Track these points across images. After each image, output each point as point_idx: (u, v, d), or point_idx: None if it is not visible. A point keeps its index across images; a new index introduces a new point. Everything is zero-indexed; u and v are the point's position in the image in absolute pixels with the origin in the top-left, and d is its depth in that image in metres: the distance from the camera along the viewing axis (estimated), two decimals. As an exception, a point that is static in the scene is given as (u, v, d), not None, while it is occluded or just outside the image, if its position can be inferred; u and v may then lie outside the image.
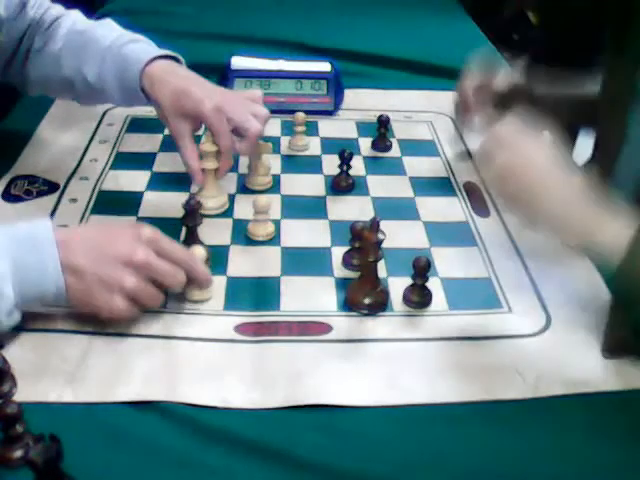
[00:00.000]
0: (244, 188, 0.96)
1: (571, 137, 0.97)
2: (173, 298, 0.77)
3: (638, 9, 0.89)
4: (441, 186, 0.99)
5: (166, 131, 1.09)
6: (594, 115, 0.95)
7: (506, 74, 1.02)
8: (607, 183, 0.94)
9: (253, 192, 0.95)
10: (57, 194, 0.93)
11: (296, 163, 1.04)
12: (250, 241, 0.86)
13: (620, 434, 0.63)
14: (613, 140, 0.92)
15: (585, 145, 1.08)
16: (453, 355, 0.71)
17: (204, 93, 0.86)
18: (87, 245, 0.70)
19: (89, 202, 0.92)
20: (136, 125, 1.11)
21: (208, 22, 1.49)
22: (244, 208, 0.90)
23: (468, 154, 1.05)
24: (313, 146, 1.08)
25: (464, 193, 0.98)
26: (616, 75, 0.92)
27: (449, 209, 0.94)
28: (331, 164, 1.01)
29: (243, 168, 0.99)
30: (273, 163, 1.02)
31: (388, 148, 1.08)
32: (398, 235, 0.86)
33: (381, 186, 0.99)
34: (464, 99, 0.99)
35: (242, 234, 0.87)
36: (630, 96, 0.90)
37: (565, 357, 0.71)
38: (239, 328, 0.73)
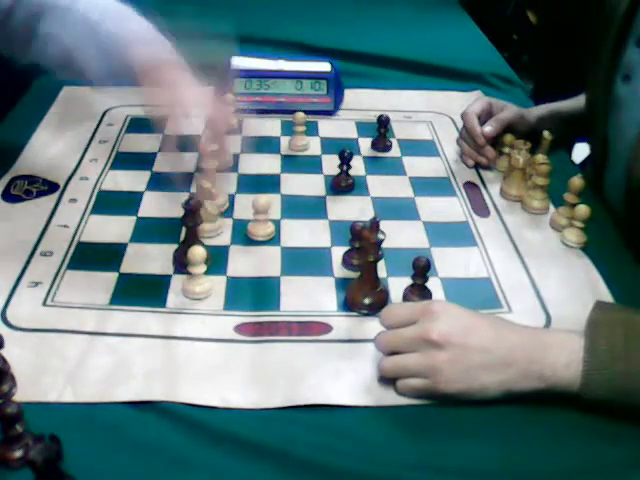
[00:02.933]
0: (244, 187, 0.96)
1: (570, 138, 0.97)
2: (173, 296, 0.77)
3: (610, 21, 0.89)
4: (441, 186, 0.99)
5: (166, 131, 1.09)
6: (584, 127, 0.95)
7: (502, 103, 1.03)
8: (600, 189, 0.94)
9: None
10: (57, 194, 0.93)
11: (296, 163, 1.04)
12: (250, 241, 0.86)
13: (619, 432, 0.64)
14: (598, 149, 0.92)
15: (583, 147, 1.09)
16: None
17: None
18: None
19: (89, 202, 0.92)
20: (136, 125, 1.11)
21: (208, 22, 1.49)
22: (244, 208, 0.90)
23: None
24: (313, 146, 1.08)
25: (464, 193, 0.98)
26: (594, 85, 0.92)
27: (449, 209, 0.94)
28: (331, 164, 1.01)
29: (244, 168, 1.00)
30: (273, 163, 1.02)
31: (388, 148, 1.08)
32: (398, 235, 0.86)
33: (381, 186, 0.99)
34: (470, 125, 0.99)
35: (242, 234, 0.87)
36: (607, 106, 0.90)
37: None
38: (239, 328, 0.73)
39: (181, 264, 0.79)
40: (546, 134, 0.97)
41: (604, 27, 0.91)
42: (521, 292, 0.80)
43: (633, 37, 0.87)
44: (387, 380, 0.67)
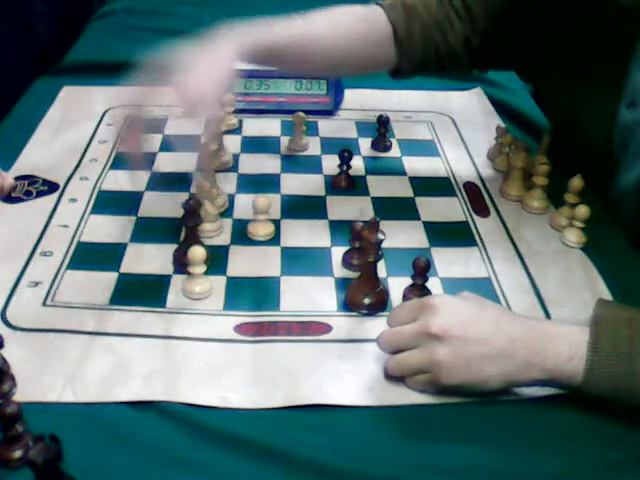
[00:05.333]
0: (244, 187, 0.96)
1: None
2: (173, 296, 0.77)
3: (608, 48, 0.87)
4: (441, 186, 0.99)
5: (166, 131, 1.10)
6: None
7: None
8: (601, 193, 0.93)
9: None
10: (57, 194, 0.93)
11: (296, 163, 1.04)
12: (250, 241, 0.86)
13: (619, 433, 0.64)
14: (601, 166, 0.90)
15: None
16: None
17: None
18: None
19: (89, 202, 0.92)
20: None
21: (208, 22, 1.49)
22: (244, 208, 0.90)
23: None
24: (313, 146, 1.08)
25: (464, 193, 0.98)
26: (591, 110, 0.90)
27: (449, 209, 0.94)
28: (331, 164, 1.01)
29: (244, 168, 0.99)
30: (273, 163, 1.02)
31: (388, 148, 1.08)
32: (398, 235, 0.86)
33: (381, 186, 0.99)
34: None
35: (242, 234, 0.87)
36: (611, 132, 0.88)
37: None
38: (239, 328, 0.73)
39: (181, 264, 0.79)
40: (546, 134, 0.97)
41: (601, 54, 0.87)
42: (521, 292, 0.80)
43: (636, 63, 0.84)
44: (387, 380, 0.68)
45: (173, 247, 0.82)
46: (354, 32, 0.88)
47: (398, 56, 0.91)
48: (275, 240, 0.87)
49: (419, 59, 0.92)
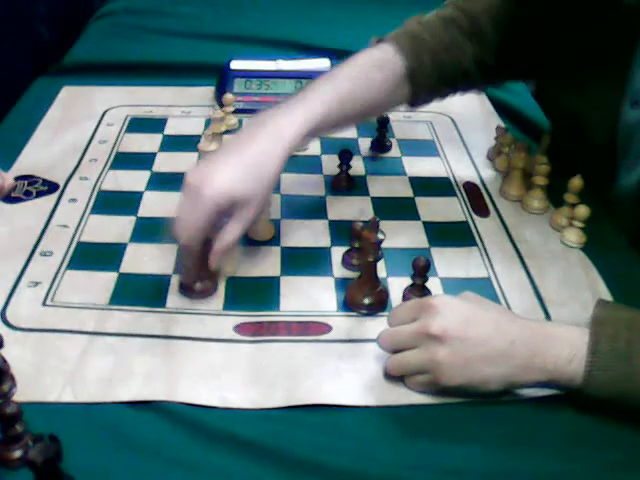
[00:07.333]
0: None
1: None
2: (173, 296, 0.77)
3: (612, 46, 0.86)
4: (441, 186, 0.99)
5: (166, 131, 1.10)
6: None
7: None
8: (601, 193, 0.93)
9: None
10: (57, 194, 0.93)
11: (296, 163, 1.03)
12: (250, 241, 0.86)
13: (618, 434, 0.64)
14: (602, 164, 0.90)
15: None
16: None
17: None
18: None
19: (89, 202, 0.92)
20: (136, 125, 1.11)
21: (208, 22, 1.49)
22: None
23: None
24: (313, 146, 1.08)
25: (464, 193, 0.98)
26: (595, 109, 0.89)
27: (449, 209, 0.94)
28: (331, 164, 1.01)
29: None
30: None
31: (388, 148, 1.08)
32: (398, 235, 0.86)
33: (381, 186, 0.99)
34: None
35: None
36: (615, 131, 0.88)
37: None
38: (239, 328, 0.73)
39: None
40: (546, 134, 0.97)
41: (605, 53, 0.87)
42: (521, 292, 0.80)
43: (639, 62, 0.83)
44: (387, 380, 0.68)
45: (173, 247, 0.82)
46: (380, 85, 0.87)
47: (412, 86, 0.90)
48: (275, 240, 0.87)
49: (433, 86, 0.91)
